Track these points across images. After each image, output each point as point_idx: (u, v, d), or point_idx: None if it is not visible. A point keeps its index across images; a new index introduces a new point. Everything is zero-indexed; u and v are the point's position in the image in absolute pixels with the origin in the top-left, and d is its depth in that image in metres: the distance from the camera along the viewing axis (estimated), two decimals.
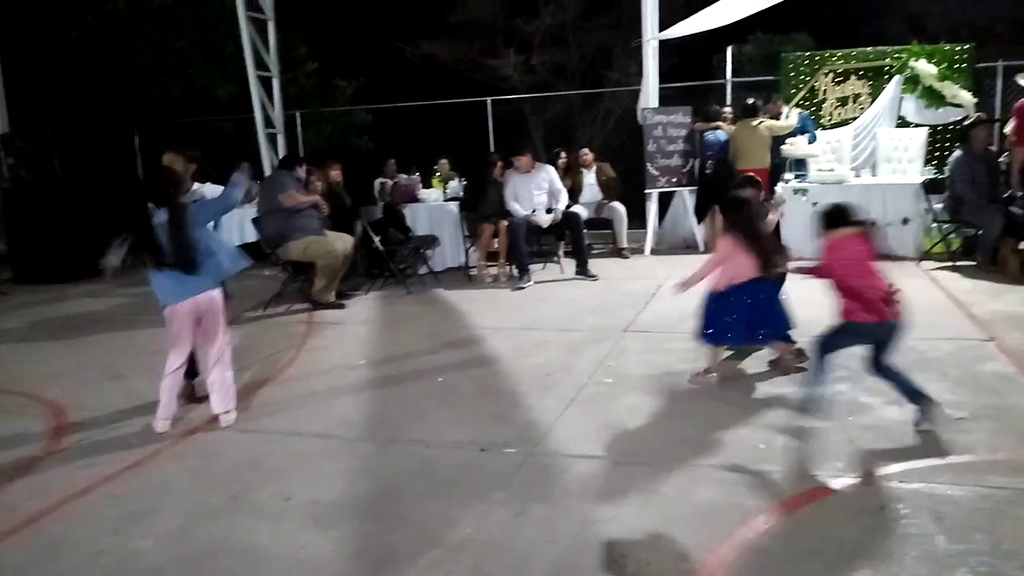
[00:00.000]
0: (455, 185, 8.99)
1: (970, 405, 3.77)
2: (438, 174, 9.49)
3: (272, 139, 10.51)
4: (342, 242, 7.00)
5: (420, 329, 6.03)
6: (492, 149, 11.17)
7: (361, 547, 2.82)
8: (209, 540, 2.92)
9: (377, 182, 9.69)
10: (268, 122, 10.42)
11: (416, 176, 9.38)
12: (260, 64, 10.19)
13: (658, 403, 4.08)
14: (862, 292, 3.48)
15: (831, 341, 3.67)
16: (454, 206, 8.51)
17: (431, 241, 8.26)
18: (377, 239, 7.59)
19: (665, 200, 9.78)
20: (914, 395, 3.52)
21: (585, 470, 3.31)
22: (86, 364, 5.54)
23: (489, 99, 11.72)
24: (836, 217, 3.59)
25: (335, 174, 7.69)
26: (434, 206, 8.68)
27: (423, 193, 8.95)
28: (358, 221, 7.61)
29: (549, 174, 8.05)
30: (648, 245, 9.40)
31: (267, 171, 9.66)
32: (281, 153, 10.22)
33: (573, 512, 2.94)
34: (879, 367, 3.57)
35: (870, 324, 3.51)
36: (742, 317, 4.24)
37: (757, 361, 4.67)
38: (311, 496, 3.22)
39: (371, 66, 14.92)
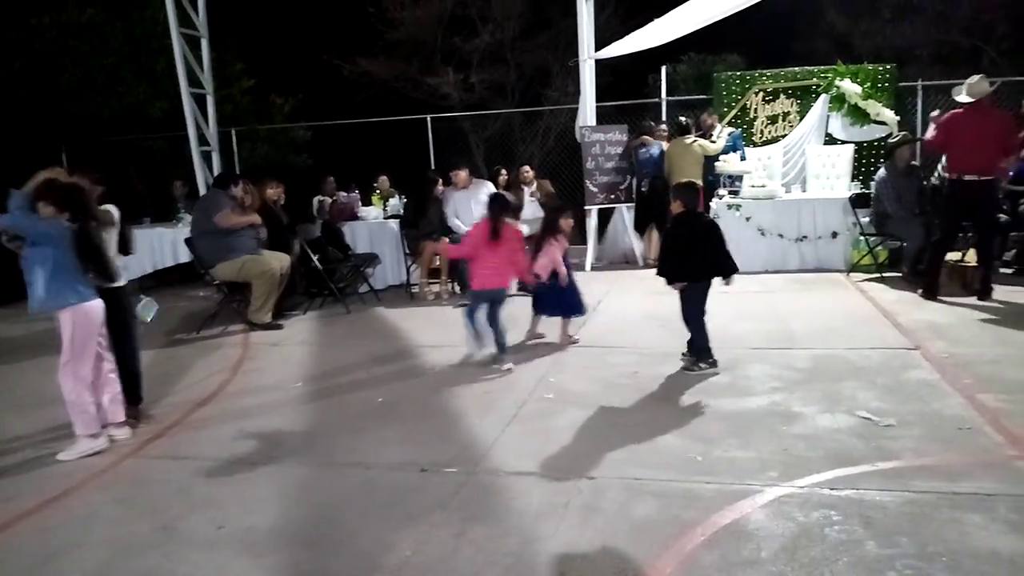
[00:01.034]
0: (395, 202, 8.94)
1: (897, 412, 3.90)
2: (378, 191, 9.43)
3: (207, 157, 10.29)
4: (279, 261, 6.88)
5: (360, 348, 5.96)
6: (432, 166, 11.18)
7: (296, 574, 2.75)
8: (136, 574, 2.81)
9: (316, 200, 9.56)
10: (202, 140, 10.20)
11: (355, 194, 9.30)
12: (193, 81, 9.98)
13: (598, 418, 4.11)
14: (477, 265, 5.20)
15: (471, 305, 5.29)
16: (394, 223, 8.45)
17: (371, 259, 8.18)
18: (315, 258, 7.48)
19: (605, 216, 9.91)
20: (501, 347, 5.15)
21: (526, 488, 3.30)
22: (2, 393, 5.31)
23: (429, 116, 11.72)
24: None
25: (272, 192, 7.57)
26: (374, 224, 8.61)
27: (363, 211, 8.87)
28: (295, 240, 7.49)
29: (488, 189, 8.07)
30: (588, 261, 9.49)
31: (202, 190, 9.45)
32: (216, 171, 10.01)
33: (513, 531, 2.93)
34: (491, 320, 5.19)
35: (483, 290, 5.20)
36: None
37: (697, 376, 4.73)
38: (245, 523, 3.13)
39: (308, 83, 14.78)
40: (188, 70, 9.84)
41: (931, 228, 7.24)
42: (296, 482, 3.54)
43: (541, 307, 5.84)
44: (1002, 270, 7.58)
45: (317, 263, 7.47)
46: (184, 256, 8.25)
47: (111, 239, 4.29)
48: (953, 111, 6.59)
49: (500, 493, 3.27)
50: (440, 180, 8.33)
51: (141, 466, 3.86)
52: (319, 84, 14.89)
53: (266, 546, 2.94)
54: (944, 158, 6.85)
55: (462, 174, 7.94)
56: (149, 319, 4.67)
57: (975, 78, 6.49)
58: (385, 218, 8.74)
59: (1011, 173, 7.70)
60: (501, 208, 5.29)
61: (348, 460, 3.74)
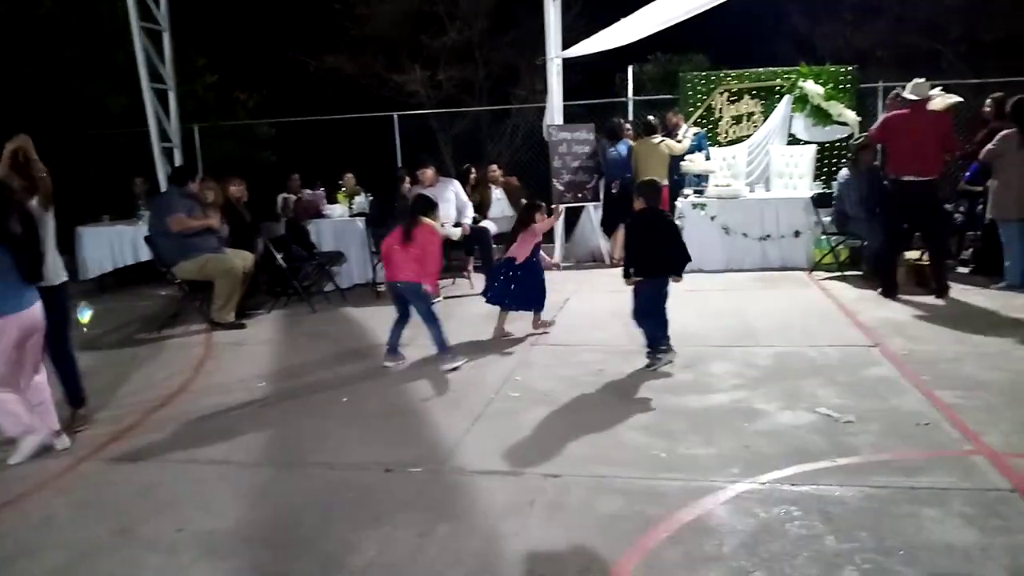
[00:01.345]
0: (361, 200, 8.87)
1: (857, 409, 3.97)
2: (344, 189, 9.34)
3: (168, 153, 10.11)
4: (242, 260, 6.79)
5: (325, 348, 5.91)
6: (400, 164, 11.11)
7: None
8: None
9: (280, 197, 9.47)
10: (164, 136, 10.03)
11: (320, 191, 9.21)
12: (155, 76, 9.80)
13: (564, 415, 4.12)
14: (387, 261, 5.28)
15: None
16: (360, 221, 8.39)
17: (337, 257, 8.12)
18: (280, 256, 7.40)
19: (574, 214, 9.94)
20: (439, 346, 5.14)
21: (491, 486, 3.30)
22: None
23: (396, 114, 11.64)
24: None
25: (235, 189, 7.46)
26: (340, 222, 8.53)
27: (328, 208, 8.79)
28: (259, 238, 7.40)
29: (455, 188, 8.06)
30: (558, 257, 9.51)
31: (164, 187, 9.29)
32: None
33: (478, 529, 2.92)
34: (423, 320, 5.19)
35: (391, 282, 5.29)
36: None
37: (661, 374, 4.78)
38: (206, 526, 3.09)
39: (273, 79, 14.60)
40: (149, 64, 9.65)
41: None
42: (259, 483, 3.50)
43: (503, 301, 5.87)
44: (959, 269, 7.77)
45: (281, 261, 7.39)
46: (145, 254, 8.10)
47: (47, 238, 4.13)
48: (895, 111, 6.75)
49: (465, 492, 3.26)
50: (407, 178, 8.29)
51: (99, 469, 3.78)
52: (284, 80, 14.73)
53: (227, 549, 2.90)
54: (886, 159, 6.99)
55: (429, 172, 7.91)
56: (85, 321, 4.56)
57: (918, 80, 6.66)
58: (351, 216, 8.67)
59: (967, 174, 7.89)
60: (418, 209, 5.30)
61: (312, 460, 3.71)
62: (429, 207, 5.35)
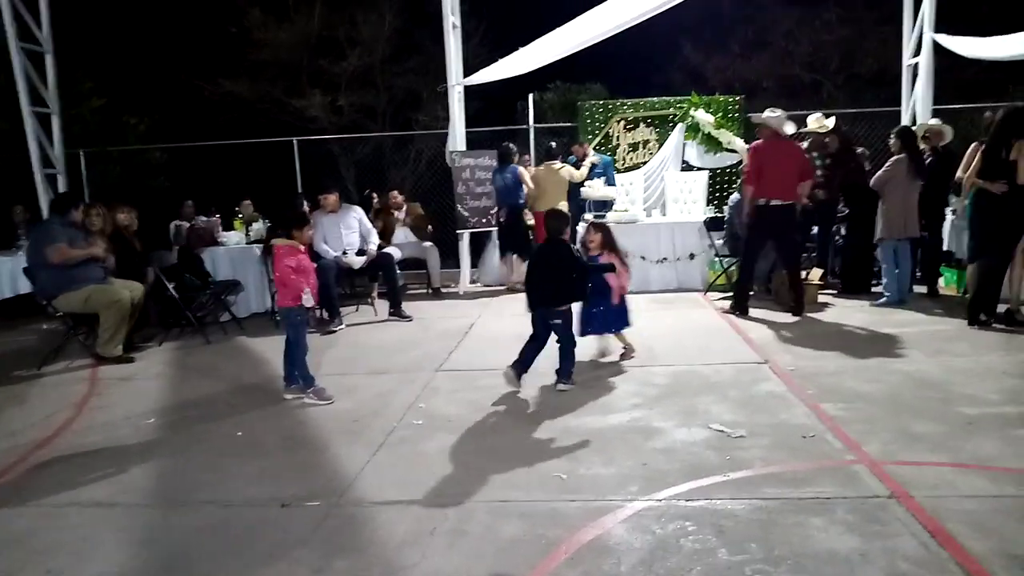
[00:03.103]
0: (259, 227, 8.65)
1: (748, 424, 4.12)
2: (240, 216, 9.09)
3: (52, 180, 9.62)
4: (129, 290, 6.48)
5: (220, 380, 5.70)
6: (300, 190, 10.93)
7: None
8: None
9: (173, 225, 9.14)
10: (47, 161, 9.53)
11: (215, 218, 8.93)
12: (37, 99, 9.33)
13: (467, 441, 4.10)
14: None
15: None
16: (258, 248, 8.16)
17: (233, 286, 7.87)
18: (171, 286, 7.11)
19: (481, 239, 9.99)
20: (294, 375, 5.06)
21: (391, 517, 3.24)
22: None
23: (295, 139, 11.46)
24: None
25: (124, 217, 7.15)
26: (236, 249, 8.28)
27: (223, 236, 8.52)
28: (149, 267, 7.10)
29: (358, 214, 7.97)
30: (462, 284, 9.53)
31: (46, 214, 8.81)
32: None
33: (377, 562, 2.86)
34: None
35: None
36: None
37: (563, 395, 4.83)
38: (88, 571, 2.90)
39: (166, 103, 14.15)
40: (30, 87, 9.19)
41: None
42: (146, 524, 3.32)
43: (588, 327, 5.57)
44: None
45: (173, 291, 7.11)
46: (25, 286, 7.63)
47: None
48: (756, 142, 7.22)
49: (364, 524, 3.19)
50: (308, 204, 8.16)
51: None
52: (177, 104, 14.29)
53: None
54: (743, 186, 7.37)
55: (332, 197, 7.79)
56: None
57: (777, 111, 7.14)
58: (248, 243, 8.43)
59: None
60: (290, 224, 5.04)
61: (203, 498, 3.55)
62: (297, 223, 5.08)
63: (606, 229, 5.52)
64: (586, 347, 5.51)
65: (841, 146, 8.07)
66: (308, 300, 4.95)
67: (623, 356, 5.67)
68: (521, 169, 9.08)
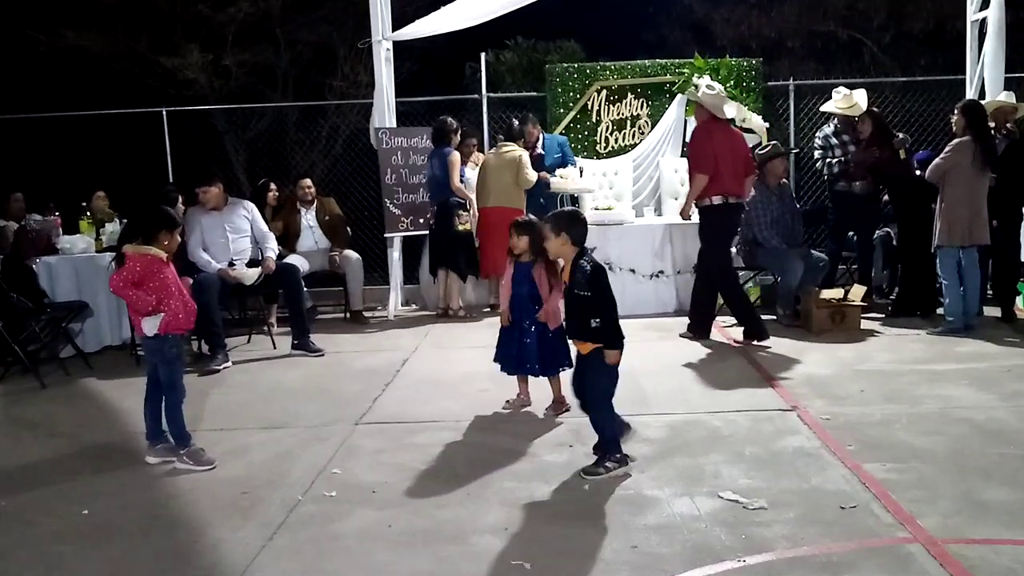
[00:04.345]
0: (114, 229, 8.51)
1: (769, 491, 4.17)
2: (89, 215, 8.95)
3: None
4: None
5: (59, 438, 5.63)
6: (171, 179, 10.82)
7: None
8: None
9: None
10: None
11: (54, 217, 8.79)
12: None
13: (396, 519, 4.07)
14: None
15: None
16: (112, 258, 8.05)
17: (78, 310, 7.75)
18: None
19: (416, 247, 9.98)
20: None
21: None
22: None
23: (165, 109, 11.35)
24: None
25: None
26: (82, 259, 8.15)
27: (65, 241, 8.37)
28: None
29: (249, 212, 7.92)
30: (392, 306, 9.52)
31: None
32: None
33: None
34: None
35: None
36: None
37: (527, 456, 4.84)
38: None
39: None
40: None
41: (810, 260, 7.95)
42: None
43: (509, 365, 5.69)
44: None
45: None
46: None
47: None
48: (699, 128, 7.59)
49: None
50: (181, 197, 8.08)
51: None
52: (1, 62, 14.04)
53: None
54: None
55: (213, 190, 7.73)
56: None
57: (715, 87, 7.59)
58: (99, 251, 8.30)
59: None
60: (153, 226, 4.95)
61: None
62: (159, 224, 4.98)
63: (537, 230, 5.34)
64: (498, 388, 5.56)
65: (875, 129, 8.25)
66: (151, 328, 4.85)
67: (552, 410, 5.60)
68: (453, 153, 9.04)
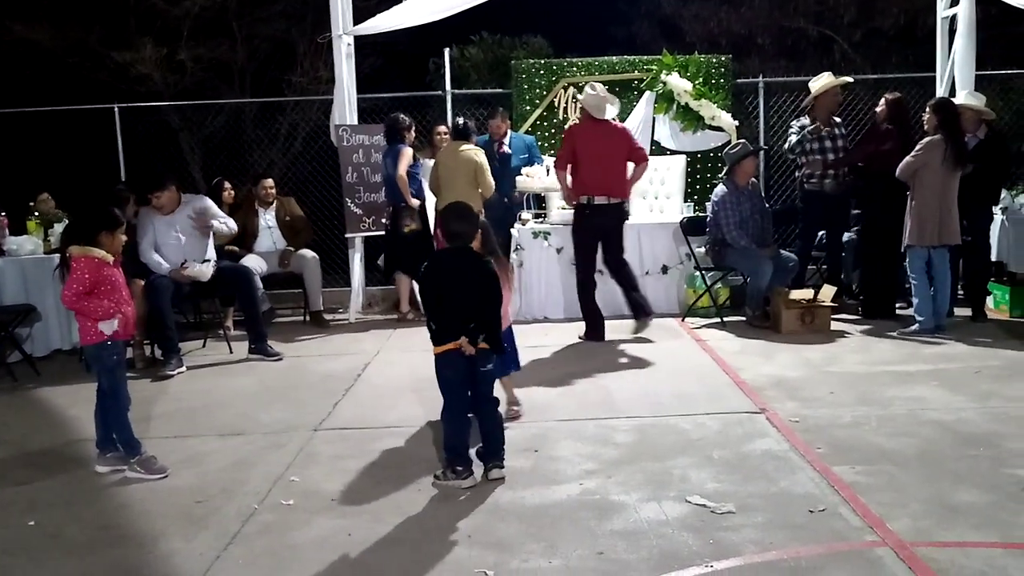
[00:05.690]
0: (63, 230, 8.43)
1: (738, 495, 4.20)
2: (36, 215, 8.84)
3: None
4: None
5: (5, 446, 5.57)
6: (123, 178, 10.72)
7: None
8: None
9: None
10: None
11: (0, 218, 8.66)
12: None
13: (358, 526, 4.06)
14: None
15: None
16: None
17: (24, 313, 7.65)
18: None
19: (378, 248, 9.95)
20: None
21: None
22: None
23: (117, 106, 11.25)
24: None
25: None
26: (29, 261, 8.06)
27: (10, 242, 8.27)
28: None
29: (206, 206, 7.84)
30: (353, 308, 9.49)
31: None
32: None
33: None
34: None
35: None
36: None
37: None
38: None
39: None
40: None
41: (780, 260, 8.02)
42: None
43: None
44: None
45: None
46: None
47: None
48: (572, 125, 7.89)
49: None
50: (132, 198, 8.01)
51: None
52: None
53: None
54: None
55: (166, 195, 7.63)
56: None
57: (596, 88, 7.71)
58: (47, 252, 8.21)
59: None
60: (96, 226, 4.94)
61: None
62: (102, 224, 4.96)
63: (485, 227, 5.13)
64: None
65: (895, 119, 8.25)
66: (109, 328, 4.82)
67: (506, 413, 5.39)
68: (406, 150, 8.90)
